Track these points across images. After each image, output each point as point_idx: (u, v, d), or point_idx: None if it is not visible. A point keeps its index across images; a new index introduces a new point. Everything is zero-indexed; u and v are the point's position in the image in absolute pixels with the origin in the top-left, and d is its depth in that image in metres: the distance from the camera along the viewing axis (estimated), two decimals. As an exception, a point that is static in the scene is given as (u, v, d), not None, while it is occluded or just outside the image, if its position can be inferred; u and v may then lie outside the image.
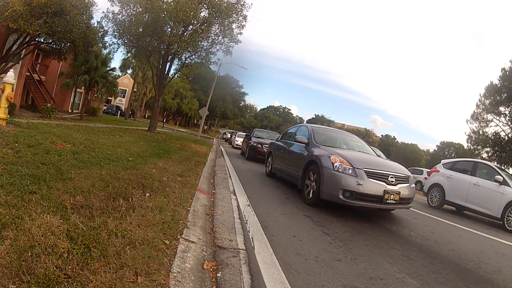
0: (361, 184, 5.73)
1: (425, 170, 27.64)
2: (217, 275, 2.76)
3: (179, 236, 3.19)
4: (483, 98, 40.63)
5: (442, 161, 12.80)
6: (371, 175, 5.92)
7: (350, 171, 5.91)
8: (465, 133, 43.16)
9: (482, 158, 34.06)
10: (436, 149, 75.63)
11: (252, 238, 3.89)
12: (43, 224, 2.67)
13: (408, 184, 6.35)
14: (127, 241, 2.74)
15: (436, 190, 11.54)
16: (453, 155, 66.52)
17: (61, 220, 2.86)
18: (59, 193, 3.60)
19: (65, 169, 4.80)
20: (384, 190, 5.82)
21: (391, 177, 6.05)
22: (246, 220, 4.66)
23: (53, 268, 2.13)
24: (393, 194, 5.90)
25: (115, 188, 4.37)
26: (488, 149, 39.77)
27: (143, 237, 2.87)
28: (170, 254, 2.76)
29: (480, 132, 40.61)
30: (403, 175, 6.35)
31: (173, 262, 2.63)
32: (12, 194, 3.22)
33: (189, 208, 4.34)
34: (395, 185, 6.04)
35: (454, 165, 11.77)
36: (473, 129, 41.49)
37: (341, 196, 5.77)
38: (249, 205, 5.65)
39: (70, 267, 2.20)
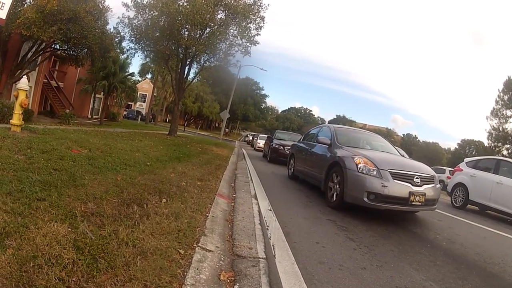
0: (386, 186, 5.49)
1: (447, 169, 27.17)
2: (234, 287, 2.57)
3: (195, 245, 3.01)
4: (502, 94, 40.00)
5: (465, 159, 12.41)
6: (396, 176, 5.67)
7: (374, 173, 5.68)
8: (486, 130, 42.55)
9: (502, 155, 33.30)
10: (457, 147, 74.60)
11: (273, 245, 3.70)
12: (49, 233, 2.53)
13: (433, 185, 6.09)
14: (138, 251, 2.57)
15: (460, 189, 11.15)
16: (473, 153, 65.42)
17: (69, 229, 2.72)
18: (70, 200, 3.47)
19: (78, 175, 4.70)
20: (410, 191, 5.58)
21: (417, 178, 5.80)
22: (267, 226, 4.47)
23: (55, 280, 2.00)
24: (419, 196, 5.65)
25: (130, 194, 4.23)
26: (508, 146, 39.07)
27: (155, 247, 2.70)
28: (184, 264, 2.57)
29: (500, 129, 40.00)
30: (428, 175, 6.09)
31: (187, 273, 2.44)
32: (20, 201, 3.10)
33: (207, 214, 4.17)
34: (421, 186, 5.79)
35: (477, 164, 11.38)
36: (493, 126, 41.03)
37: (365, 199, 5.53)
38: (270, 210, 5.46)
39: (73, 279, 2.05)
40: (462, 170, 11.63)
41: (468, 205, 10.85)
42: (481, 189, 10.29)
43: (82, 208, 3.30)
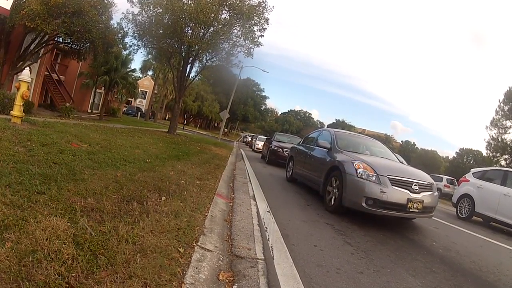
0: (385, 192, 5.49)
1: (445, 177, 27.18)
2: (233, 287, 2.56)
3: (194, 244, 3.00)
4: (502, 104, 40.03)
5: (472, 170, 12.04)
6: (395, 182, 5.68)
7: (374, 178, 5.68)
8: (485, 140, 42.59)
9: (500, 166, 33.33)
10: (455, 156, 74.49)
11: (271, 247, 3.70)
12: (48, 227, 2.51)
13: (431, 192, 6.11)
14: (138, 248, 2.56)
15: (466, 200, 10.79)
16: (472, 162, 65.26)
17: (68, 224, 2.70)
18: (70, 195, 3.46)
19: (78, 169, 4.68)
20: (408, 198, 5.59)
21: (415, 185, 5.81)
22: (266, 227, 4.47)
23: (54, 275, 1.98)
24: (417, 203, 5.65)
25: (130, 190, 4.22)
26: (507, 156, 39.09)
27: (155, 245, 2.69)
28: (184, 263, 2.57)
29: (499, 139, 40.03)
30: (426, 183, 6.11)
31: (187, 272, 2.44)
32: (19, 194, 3.08)
33: (206, 214, 4.16)
34: (419, 193, 5.80)
35: (484, 174, 11.06)
36: (492, 136, 41.03)
37: (364, 204, 5.54)
38: (269, 211, 5.46)
39: (73, 275, 2.04)
40: (469, 180, 11.33)
41: (474, 216, 10.57)
42: (488, 201, 10.00)
43: (82, 203, 3.29)
